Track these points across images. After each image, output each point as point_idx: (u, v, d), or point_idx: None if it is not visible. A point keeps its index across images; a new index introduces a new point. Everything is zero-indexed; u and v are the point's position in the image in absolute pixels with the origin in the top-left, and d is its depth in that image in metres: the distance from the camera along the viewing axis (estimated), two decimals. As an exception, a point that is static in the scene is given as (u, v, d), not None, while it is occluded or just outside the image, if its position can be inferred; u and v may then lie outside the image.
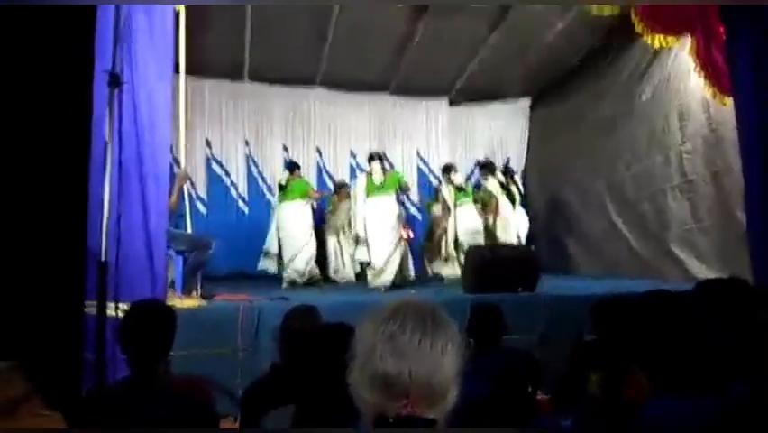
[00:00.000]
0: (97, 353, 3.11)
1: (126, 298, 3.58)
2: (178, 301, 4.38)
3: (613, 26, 7.31)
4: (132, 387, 2.07)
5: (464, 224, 7.17)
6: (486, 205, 7.58)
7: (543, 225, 9.43)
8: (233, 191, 9.13)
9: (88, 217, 3.78)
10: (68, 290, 3.76)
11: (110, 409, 1.96)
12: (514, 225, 7.64)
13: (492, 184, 7.68)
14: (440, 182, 8.52)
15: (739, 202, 5.78)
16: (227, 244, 7.25)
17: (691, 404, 1.48)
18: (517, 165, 10.26)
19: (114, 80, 3.45)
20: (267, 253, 7.43)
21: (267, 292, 5.68)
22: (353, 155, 9.84)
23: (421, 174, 10.15)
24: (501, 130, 10.46)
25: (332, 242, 7.99)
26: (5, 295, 3.53)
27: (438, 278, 7.36)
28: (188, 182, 5.35)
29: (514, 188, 7.96)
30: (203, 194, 8.87)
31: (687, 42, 6.40)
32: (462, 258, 6.63)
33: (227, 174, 9.13)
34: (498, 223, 7.59)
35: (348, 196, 7.86)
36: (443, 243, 7.37)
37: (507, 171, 8.19)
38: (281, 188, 7.28)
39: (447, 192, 7.48)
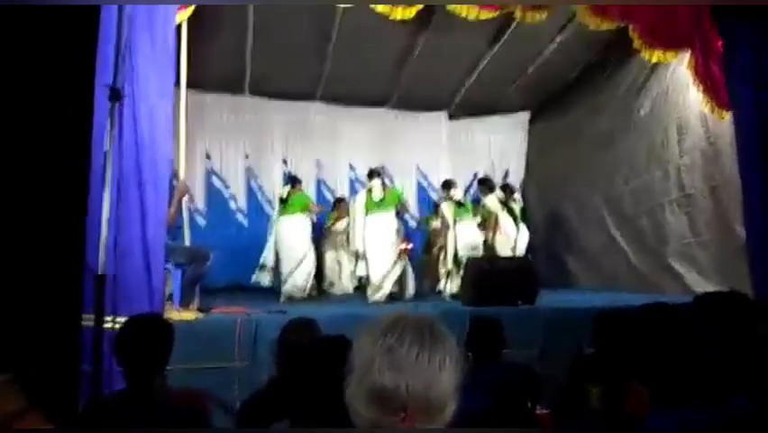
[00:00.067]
0: (94, 365, 3.10)
1: (124, 311, 3.59)
2: (176, 314, 4.37)
3: (611, 41, 7.35)
4: (129, 400, 2.07)
5: (464, 239, 7.17)
6: (485, 221, 7.57)
7: (541, 238, 9.42)
8: (232, 204, 9.13)
9: (87, 230, 3.78)
10: (65, 303, 3.74)
11: (106, 422, 1.94)
12: (514, 242, 7.63)
13: (491, 201, 7.67)
14: (439, 197, 8.53)
15: (738, 216, 5.79)
16: (226, 256, 7.23)
17: (692, 417, 1.47)
18: (516, 179, 10.28)
19: (115, 95, 3.47)
20: (263, 267, 7.42)
21: (265, 305, 5.66)
22: (353, 169, 9.85)
23: (420, 188, 10.15)
24: (500, 143, 10.47)
25: (330, 256, 7.98)
26: (2, 307, 3.51)
27: (437, 292, 7.34)
28: (188, 195, 5.33)
29: (515, 205, 7.94)
30: (202, 207, 8.86)
31: (685, 57, 6.43)
32: (462, 273, 6.63)
33: (227, 187, 9.13)
34: (498, 239, 7.57)
35: (347, 211, 7.88)
36: (442, 258, 7.36)
37: (507, 188, 8.18)
38: (282, 201, 7.27)
39: (447, 208, 7.49)
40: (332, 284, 7.91)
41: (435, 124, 10.19)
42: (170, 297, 4.75)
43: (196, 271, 4.90)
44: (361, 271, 6.81)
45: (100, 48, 3.98)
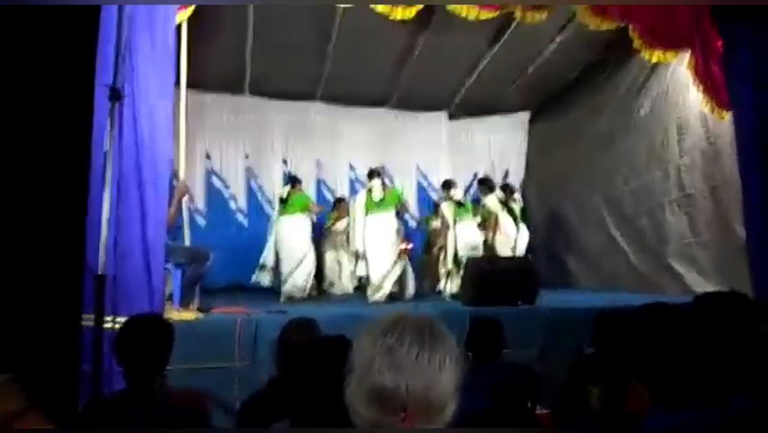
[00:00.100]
0: (94, 365, 3.10)
1: (124, 311, 3.59)
2: (176, 314, 4.37)
3: (610, 41, 7.35)
4: (129, 400, 2.07)
5: (464, 239, 7.17)
6: (485, 221, 7.57)
7: (542, 238, 9.42)
8: (232, 204, 9.13)
9: (87, 230, 3.78)
10: (66, 304, 3.74)
11: (106, 422, 1.94)
12: (514, 242, 7.62)
13: (491, 201, 7.67)
14: (439, 197, 8.53)
15: (738, 216, 5.79)
16: (226, 256, 7.23)
17: (692, 417, 1.47)
18: (516, 178, 10.28)
19: (115, 95, 3.47)
20: (263, 267, 7.42)
21: (265, 305, 5.66)
22: (353, 169, 9.85)
23: (420, 188, 10.15)
24: (500, 143, 10.47)
25: (330, 256, 7.98)
26: (2, 307, 3.51)
27: (437, 292, 7.34)
28: (188, 195, 5.33)
29: (515, 205, 7.93)
30: (202, 207, 8.86)
31: (685, 57, 6.43)
32: (462, 273, 6.64)
33: (227, 187, 9.13)
34: (498, 239, 7.57)
35: (347, 211, 7.89)
36: (442, 258, 7.36)
37: (507, 188, 8.18)
38: (282, 201, 7.27)
39: (447, 208, 7.49)
40: (332, 284, 7.91)
41: (435, 123, 10.19)
42: (170, 297, 4.75)
43: (196, 272, 4.90)
44: (360, 272, 6.81)
45: (100, 48, 3.98)
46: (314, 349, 2.13)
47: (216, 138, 9.08)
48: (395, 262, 6.58)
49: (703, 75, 6.14)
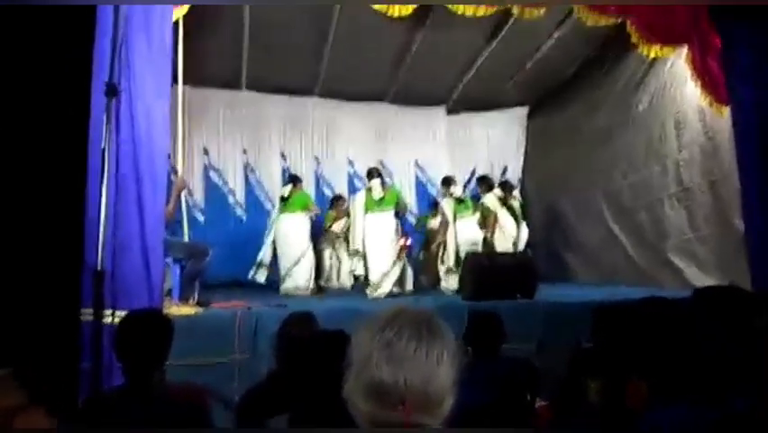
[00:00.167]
0: (93, 361, 3.11)
1: (123, 306, 3.59)
2: (175, 309, 4.37)
3: (608, 36, 7.33)
4: (128, 395, 2.07)
5: (464, 236, 7.19)
6: (485, 219, 7.56)
7: (540, 233, 9.43)
8: (230, 199, 9.12)
9: (85, 225, 3.78)
10: (64, 299, 3.75)
11: (105, 417, 1.95)
12: (514, 240, 7.62)
13: (490, 200, 7.66)
14: (438, 194, 8.53)
15: (737, 210, 5.79)
16: (225, 251, 7.23)
17: (690, 412, 1.47)
18: (515, 174, 10.29)
19: (111, 90, 3.47)
20: (260, 264, 7.40)
21: (264, 299, 5.66)
22: (351, 164, 9.84)
23: (419, 183, 10.15)
24: (499, 138, 10.46)
25: (328, 256, 7.98)
26: (1, 302, 3.51)
27: (435, 289, 7.34)
28: (186, 190, 5.33)
29: (514, 203, 7.92)
30: (200, 202, 8.86)
31: (683, 52, 6.43)
32: (461, 268, 6.66)
33: (225, 182, 9.12)
34: (498, 237, 7.56)
35: (345, 211, 7.92)
36: (440, 254, 7.36)
37: (506, 185, 8.17)
38: (283, 200, 7.27)
39: (447, 205, 7.50)
40: (329, 280, 7.92)
41: (434, 118, 10.19)
42: (170, 292, 4.76)
43: (195, 267, 4.91)
44: (360, 270, 6.84)
45: (97, 45, 3.98)
46: (313, 343, 2.14)
47: (214, 133, 9.07)
48: (394, 262, 6.59)
49: (701, 70, 6.15)
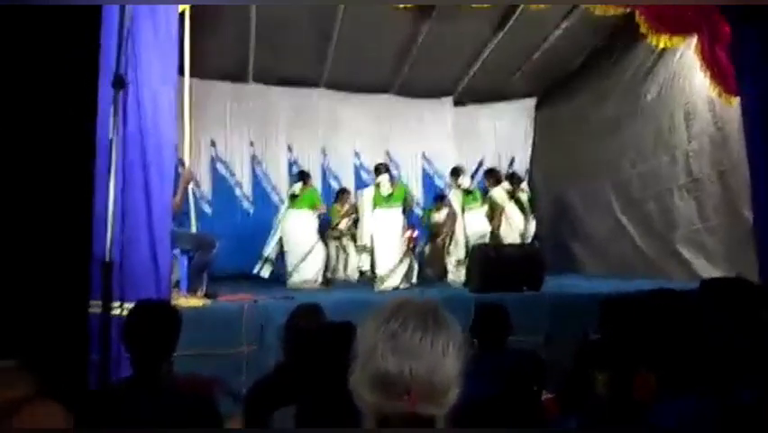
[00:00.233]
0: (102, 352, 3.12)
1: (131, 298, 3.60)
2: (183, 300, 4.40)
3: (617, 26, 7.28)
4: (136, 386, 2.08)
5: (472, 227, 7.19)
6: (493, 211, 7.54)
7: (548, 225, 9.40)
8: (237, 191, 9.15)
9: (93, 217, 3.79)
10: (73, 291, 3.77)
11: (113, 408, 1.96)
12: (522, 232, 7.59)
13: (498, 193, 7.63)
14: (445, 185, 8.51)
15: (746, 201, 5.75)
16: (232, 243, 7.26)
17: (698, 403, 1.47)
18: (522, 165, 10.25)
19: (119, 81, 3.47)
20: (266, 259, 7.39)
21: (271, 291, 5.68)
22: (357, 155, 9.84)
23: (425, 175, 10.14)
24: (506, 130, 10.43)
25: (334, 246, 7.99)
26: (9, 294, 3.54)
27: (443, 282, 7.33)
28: (193, 182, 5.34)
29: (522, 196, 7.88)
30: (208, 194, 8.89)
31: (692, 41, 6.37)
32: (468, 259, 6.67)
33: (232, 174, 9.15)
34: (506, 231, 7.53)
35: (352, 205, 7.95)
36: (447, 246, 7.34)
37: (514, 177, 8.13)
38: (293, 197, 7.24)
39: (455, 196, 7.48)
40: (335, 273, 7.92)
41: (441, 110, 10.16)
42: (177, 284, 4.78)
43: (203, 259, 4.92)
44: (367, 266, 6.86)
45: (103, 36, 3.98)
46: (321, 334, 2.14)
47: (221, 125, 9.08)
48: (402, 258, 6.60)
49: (710, 60, 6.09)
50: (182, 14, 4.76)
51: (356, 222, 7.71)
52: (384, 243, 6.58)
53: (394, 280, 6.48)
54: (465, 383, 1.08)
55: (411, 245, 6.93)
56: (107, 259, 3.38)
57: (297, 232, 7.02)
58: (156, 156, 4.03)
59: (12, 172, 3.93)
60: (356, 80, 9.22)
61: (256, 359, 4.19)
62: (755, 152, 5.36)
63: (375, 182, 6.97)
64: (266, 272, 7.25)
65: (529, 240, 7.68)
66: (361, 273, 7.30)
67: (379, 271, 6.53)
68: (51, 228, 3.90)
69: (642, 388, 1.91)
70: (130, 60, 3.86)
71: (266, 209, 8.84)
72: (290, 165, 9.31)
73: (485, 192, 7.79)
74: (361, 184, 9.23)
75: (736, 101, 5.79)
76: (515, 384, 2.82)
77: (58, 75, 4.02)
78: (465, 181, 7.53)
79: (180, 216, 5.10)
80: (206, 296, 4.86)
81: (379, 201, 6.73)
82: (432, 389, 1.03)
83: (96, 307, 3.49)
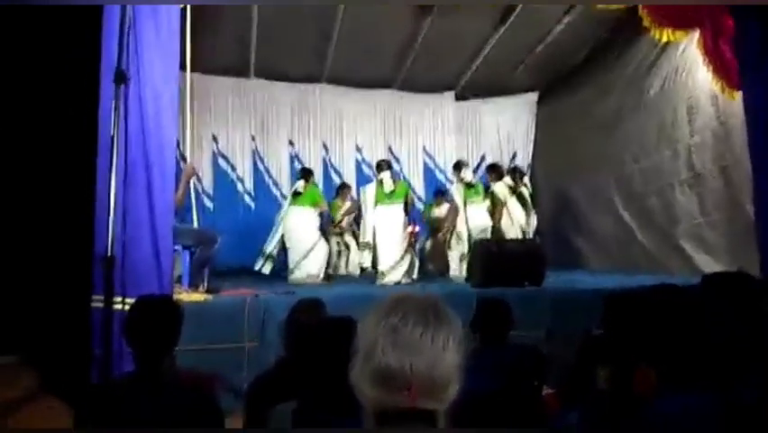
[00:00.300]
0: (104, 347, 3.13)
1: (133, 293, 3.60)
2: (185, 295, 4.40)
3: (620, 20, 7.26)
4: (138, 381, 2.08)
5: (474, 221, 7.19)
6: (495, 206, 7.53)
7: (550, 219, 9.40)
8: (239, 186, 9.16)
9: (95, 213, 3.79)
10: (75, 286, 3.78)
11: (115, 403, 1.96)
12: (524, 228, 7.58)
13: (500, 188, 7.62)
14: (447, 179, 8.49)
15: (748, 196, 5.74)
16: (233, 238, 7.26)
17: (700, 399, 1.47)
18: (524, 160, 10.23)
19: (120, 77, 3.46)
20: (268, 256, 7.38)
21: (273, 286, 5.68)
22: (359, 150, 9.84)
23: (427, 169, 10.14)
24: (508, 124, 10.42)
25: (334, 243, 7.99)
26: (12, 290, 3.55)
27: (444, 277, 7.33)
28: (195, 177, 5.34)
29: (524, 191, 7.86)
30: (209, 189, 8.90)
31: (695, 35, 6.35)
32: (469, 254, 6.67)
33: (233, 169, 9.16)
34: (508, 226, 7.52)
35: (350, 196, 7.98)
36: (448, 241, 7.34)
37: (516, 172, 8.11)
38: (296, 194, 7.23)
39: (457, 190, 7.48)
40: (336, 268, 7.92)
41: (443, 104, 10.15)
42: (179, 279, 4.78)
43: (204, 254, 4.93)
44: (368, 262, 6.87)
45: (105, 36, 3.97)
46: (322, 329, 2.14)
47: (223, 120, 9.10)
48: (403, 254, 6.61)
49: (713, 55, 6.07)
50: (184, 9, 4.75)
51: (358, 219, 7.72)
52: (386, 239, 6.59)
53: (395, 276, 6.49)
54: (466, 378, 1.08)
55: (412, 240, 6.93)
56: (109, 254, 3.38)
57: (299, 229, 7.02)
58: (157, 151, 4.03)
59: (14, 169, 3.94)
60: (358, 75, 9.22)
61: (257, 354, 4.20)
62: (758, 147, 5.34)
63: (377, 179, 6.97)
64: (267, 269, 7.25)
65: (531, 235, 7.67)
66: (362, 270, 7.30)
67: (381, 267, 6.54)
68: (53, 224, 3.91)
69: (643, 383, 1.91)
70: (132, 59, 3.85)
71: (267, 204, 8.85)
72: (292, 160, 9.32)
73: (487, 187, 7.78)
74: (362, 179, 9.24)
75: (738, 96, 5.76)
76: (516, 379, 2.83)
77: (60, 74, 4.02)
78: (468, 175, 7.53)
79: (182, 211, 5.10)
80: (208, 291, 4.86)
81: (381, 198, 6.74)
82: (432, 383, 1.03)
83: (98, 301, 3.50)
